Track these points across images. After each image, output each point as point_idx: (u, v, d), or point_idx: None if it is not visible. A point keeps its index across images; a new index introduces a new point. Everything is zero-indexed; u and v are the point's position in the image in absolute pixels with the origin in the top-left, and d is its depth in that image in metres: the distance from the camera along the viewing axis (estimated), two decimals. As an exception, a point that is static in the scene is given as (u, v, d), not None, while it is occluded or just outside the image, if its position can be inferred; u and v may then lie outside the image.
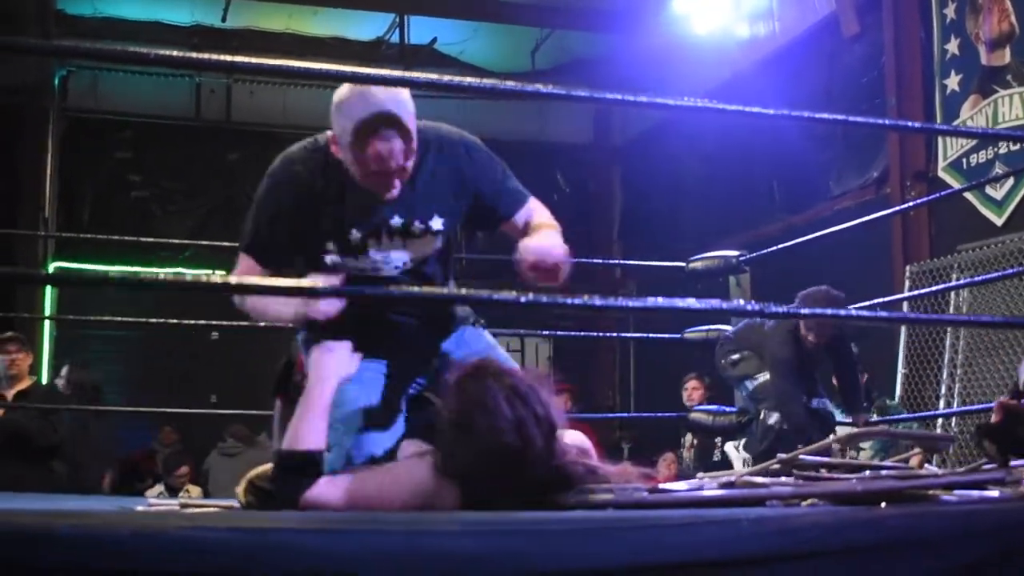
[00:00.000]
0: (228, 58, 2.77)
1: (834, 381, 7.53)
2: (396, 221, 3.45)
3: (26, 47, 3.53)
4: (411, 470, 2.96)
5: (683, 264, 6.99)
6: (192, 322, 7.71)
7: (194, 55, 2.79)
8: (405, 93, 3.27)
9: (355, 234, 3.43)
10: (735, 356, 7.33)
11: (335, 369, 3.25)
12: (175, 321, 8.13)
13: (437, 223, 3.51)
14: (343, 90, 3.28)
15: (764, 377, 7.15)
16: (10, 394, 7.76)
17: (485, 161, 3.66)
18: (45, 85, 13.15)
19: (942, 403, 8.25)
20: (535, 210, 3.80)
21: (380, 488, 2.95)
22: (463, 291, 3.16)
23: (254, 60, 2.86)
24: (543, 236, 3.50)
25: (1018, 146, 8.27)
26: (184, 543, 1.82)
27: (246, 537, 1.87)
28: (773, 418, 7.01)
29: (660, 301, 2.88)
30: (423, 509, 2.75)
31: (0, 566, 1.71)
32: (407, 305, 3.61)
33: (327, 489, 2.95)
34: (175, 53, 2.88)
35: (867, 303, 6.42)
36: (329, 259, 3.46)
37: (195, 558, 1.80)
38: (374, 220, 3.43)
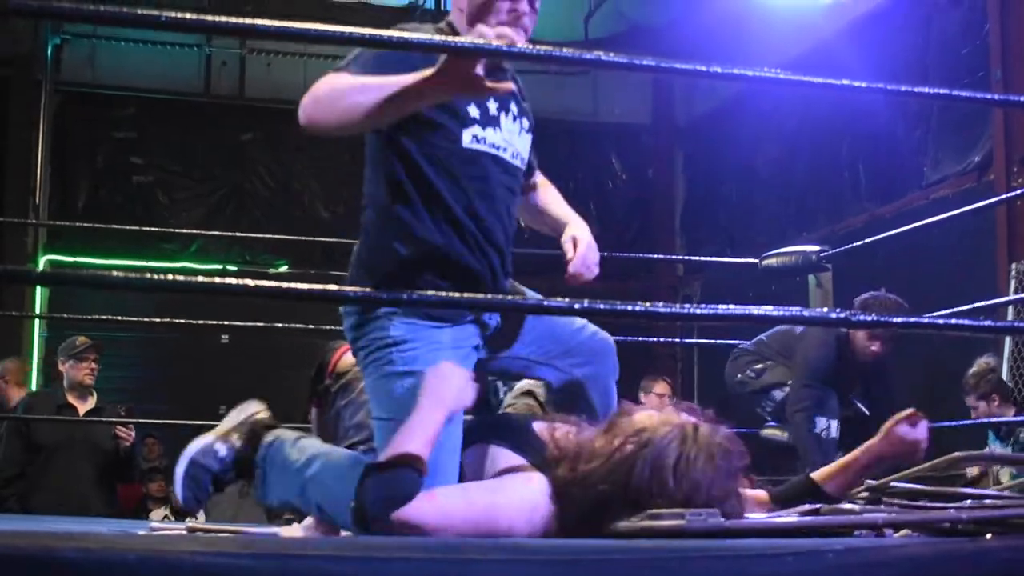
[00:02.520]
0: (244, 21, 2.76)
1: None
2: (518, 103, 3.75)
3: (12, 7, 3.52)
4: (523, 494, 2.87)
5: (755, 261, 6.96)
6: (200, 322, 7.72)
7: (207, 17, 2.77)
8: None
9: (492, 103, 3.63)
10: (759, 366, 7.19)
11: (452, 397, 3.12)
12: (182, 321, 8.15)
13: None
14: None
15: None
16: (83, 409, 8.02)
17: None
18: (36, 55, 13.25)
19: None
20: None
21: (489, 511, 2.87)
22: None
23: (272, 23, 2.85)
24: (581, 230, 3.86)
25: None
26: (197, 570, 1.83)
27: (266, 564, 1.89)
28: (820, 424, 6.83)
29: (732, 309, 2.85)
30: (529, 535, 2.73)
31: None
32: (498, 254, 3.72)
33: (425, 506, 2.85)
34: (185, 16, 2.87)
35: (967, 307, 6.38)
36: (469, 132, 3.58)
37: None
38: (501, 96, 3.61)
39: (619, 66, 3.18)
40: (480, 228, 3.59)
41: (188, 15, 2.76)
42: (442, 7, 13.61)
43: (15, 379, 9.02)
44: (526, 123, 3.79)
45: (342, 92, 3.26)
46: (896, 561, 2.12)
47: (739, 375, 7.22)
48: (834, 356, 6.73)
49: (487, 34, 3.02)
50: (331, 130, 3.48)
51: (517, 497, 2.82)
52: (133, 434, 8.10)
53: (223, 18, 2.68)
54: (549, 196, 4.14)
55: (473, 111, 3.57)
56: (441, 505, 2.84)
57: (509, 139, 3.68)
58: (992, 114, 9.68)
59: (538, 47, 3.11)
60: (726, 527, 2.44)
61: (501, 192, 3.66)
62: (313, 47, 12.88)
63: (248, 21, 2.76)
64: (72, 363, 7.98)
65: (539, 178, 4.14)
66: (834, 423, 6.70)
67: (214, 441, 3.85)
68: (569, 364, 3.82)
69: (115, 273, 2.83)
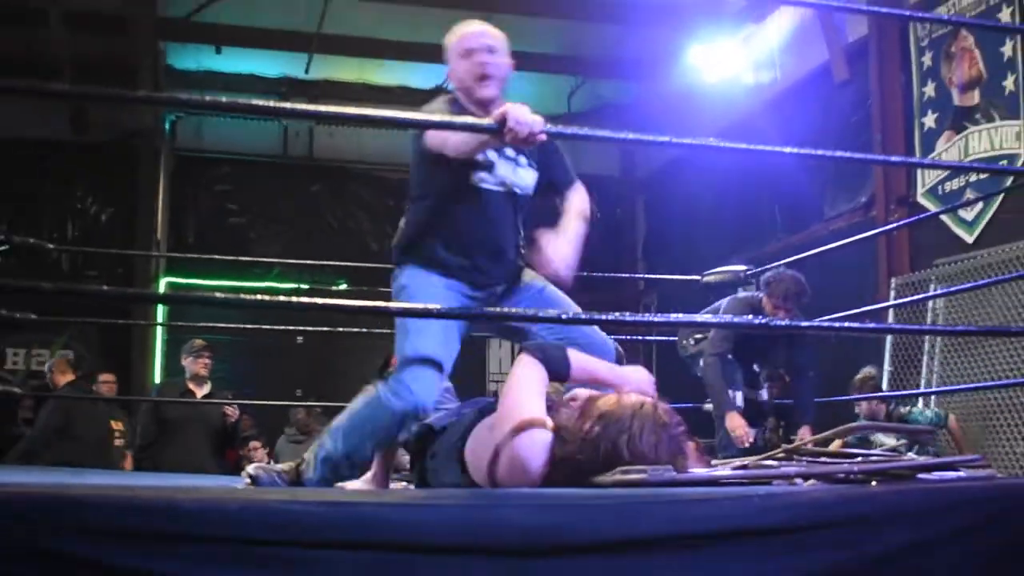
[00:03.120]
0: (311, 107, 2.80)
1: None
2: (508, 152, 3.76)
3: (142, 99, 3.56)
4: (543, 437, 2.73)
5: (698, 277, 6.96)
6: (281, 328, 7.76)
7: (282, 104, 2.81)
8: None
9: (492, 153, 3.71)
10: (699, 335, 7.12)
11: (540, 384, 2.95)
12: (267, 327, 8.17)
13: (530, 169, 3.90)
14: (453, 34, 3.82)
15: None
16: (200, 393, 8.16)
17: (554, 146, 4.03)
18: (157, 129, 13.32)
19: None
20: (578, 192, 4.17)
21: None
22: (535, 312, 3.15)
23: (334, 109, 2.89)
24: (566, 237, 3.86)
25: (986, 175, 8.24)
26: (283, 515, 1.82)
27: (333, 510, 1.87)
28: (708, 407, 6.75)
29: (680, 316, 2.86)
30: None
31: (130, 534, 1.72)
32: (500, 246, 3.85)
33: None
34: (267, 103, 2.91)
35: (857, 311, 6.41)
36: (476, 175, 3.71)
37: (294, 527, 1.80)
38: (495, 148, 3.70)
39: (599, 139, 3.22)
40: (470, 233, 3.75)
41: (271, 103, 2.80)
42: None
43: (60, 370, 9.04)
44: (523, 160, 3.84)
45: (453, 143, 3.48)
46: (805, 503, 2.13)
47: (683, 342, 7.19)
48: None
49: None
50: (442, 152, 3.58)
51: (540, 438, 2.76)
52: (237, 412, 8.23)
53: (297, 105, 2.73)
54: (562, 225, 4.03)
55: (480, 159, 3.68)
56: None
57: (506, 176, 3.77)
58: (874, 167, 9.69)
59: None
60: (676, 479, 2.45)
61: (498, 212, 3.78)
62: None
63: (314, 107, 2.79)
64: (192, 359, 8.14)
65: (569, 205, 4.08)
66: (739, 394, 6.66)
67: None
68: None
69: (217, 294, 2.87)
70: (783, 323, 6.36)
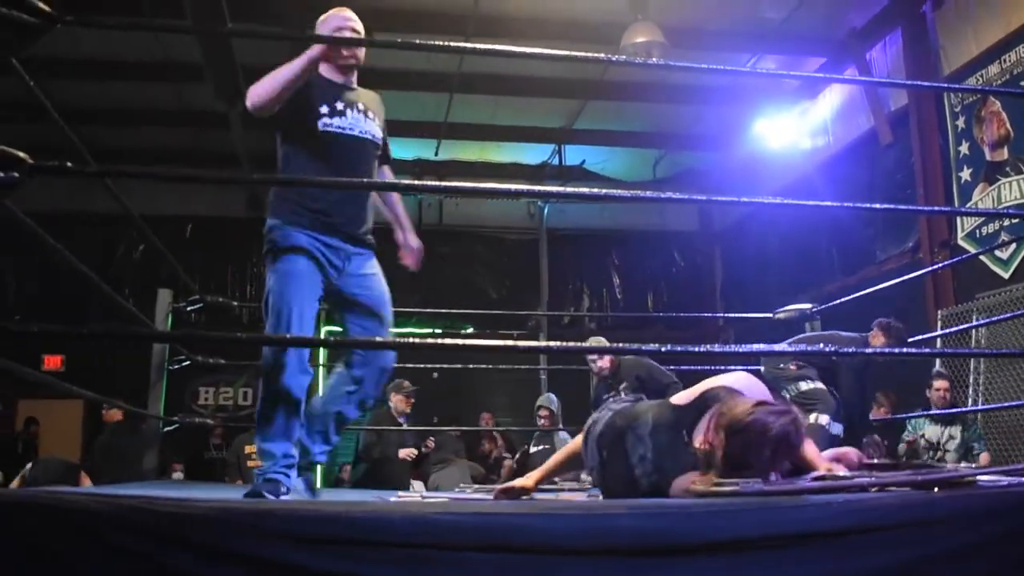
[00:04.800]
0: (442, 184, 2.87)
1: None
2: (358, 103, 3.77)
3: (313, 182, 3.66)
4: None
5: (771, 315, 6.87)
6: (422, 366, 7.84)
7: (417, 182, 2.89)
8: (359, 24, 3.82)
9: (339, 104, 3.69)
10: (801, 363, 6.78)
11: None
12: (410, 365, 8.26)
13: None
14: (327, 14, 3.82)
15: (816, 384, 6.35)
16: (403, 423, 8.14)
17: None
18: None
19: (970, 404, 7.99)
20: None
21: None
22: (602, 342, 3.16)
23: (459, 184, 2.95)
24: (415, 240, 4.25)
25: (1018, 219, 8.07)
26: (436, 524, 1.86)
27: (477, 519, 1.90)
28: (824, 419, 6.47)
29: (757, 347, 2.84)
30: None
31: (320, 540, 1.77)
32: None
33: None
34: (404, 181, 2.98)
35: (913, 339, 6.29)
36: (321, 121, 3.64)
37: (448, 533, 1.84)
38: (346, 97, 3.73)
39: (681, 200, 3.23)
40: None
41: (410, 180, 2.87)
42: (563, 162, 13.68)
43: (111, 414, 9.39)
44: (371, 115, 3.80)
45: (275, 81, 3.48)
46: (876, 507, 2.10)
47: (781, 365, 6.84)
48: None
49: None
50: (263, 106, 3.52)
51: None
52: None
53: (431, 182, 2.79)
54: (394, 196, 4.17)
55: (324, 109, 3.65)
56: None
57: (354, 121, 3.71)
58: (918, 216, 9.55)
59: (621, 191, 3.17)
60: (765, 489, 2.43)
61: (352, 161, 3.67)
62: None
63: (444, 184, 2.86)
64: (402, 397, 8.02)
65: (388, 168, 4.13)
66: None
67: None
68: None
69: (376, 339, 2.93)
70: (830, 350, 6.27)
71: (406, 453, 8.10)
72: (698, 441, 2.72)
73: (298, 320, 3.44)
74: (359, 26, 3.83)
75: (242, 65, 9.22)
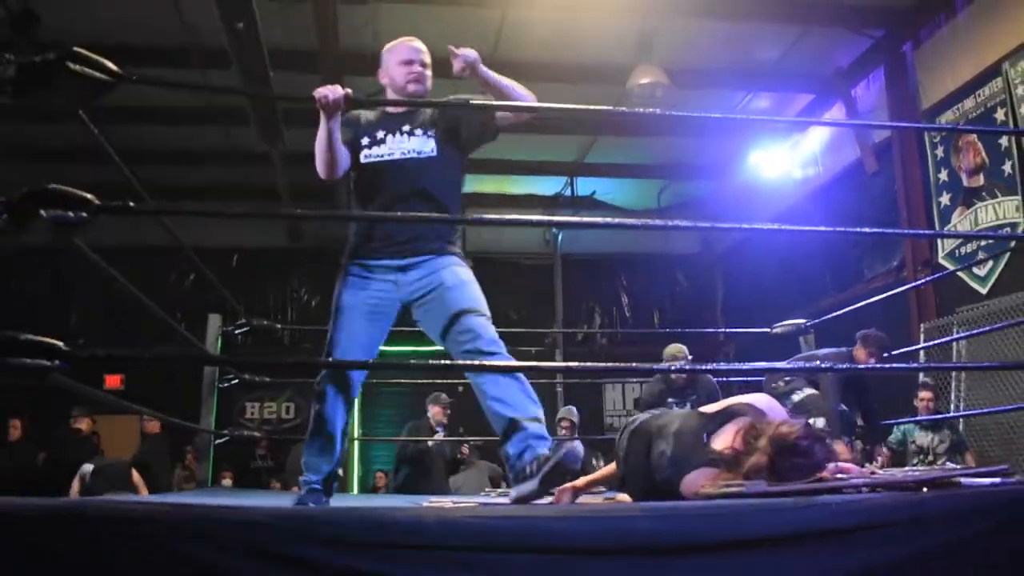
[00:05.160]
0: (470, 217, 2.87)
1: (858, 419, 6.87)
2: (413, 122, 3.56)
3: (343, 216, 3.69)
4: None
5: (768, 330, 6.85)
6: (449, 381, 7.82)
7: (445, 216, 2.88)
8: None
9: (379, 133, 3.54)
10: (788, 378, 6.78)
11: None
12: (439, 381, 8.24)
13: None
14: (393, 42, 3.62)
15: (806, 392, 6.28)
16: (440, 433, 7.97)
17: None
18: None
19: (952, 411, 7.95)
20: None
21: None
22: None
23: (487, 216, 2.94)
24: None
25: (993, 240, 8.06)
26: (467, 527, 1.86)
27: (505, 522, 1.90)
28: (820, 423, 6.41)
29: (756, 364, 2.83)
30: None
31: (366, 544, 1.79)
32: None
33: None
34: (434, 215, 2.99)
35: (897, 352, 6.26)
36: (363, 154, 3.52)
37: (479, 536, 1.84)
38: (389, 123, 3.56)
39: (685, 227, 3.24)
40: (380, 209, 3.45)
41: (433, 214, 2.86)
42: (575, 193, 13.71)
43: (150, 426, 9.37)
44: (419, 132, 3.53)
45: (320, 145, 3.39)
46: (869, 507, 2.09)
47: (773, 384, 6.85)
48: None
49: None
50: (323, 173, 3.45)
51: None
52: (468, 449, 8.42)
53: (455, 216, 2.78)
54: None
55: (365, 141, 3.53)
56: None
57: (394, 148, 3.51)
58: (902, 238, 9.54)
59: (627, 220, 3.18)
60: (769, 491, 2.43)
61: (395, 184, 3.46)
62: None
63: (472, 217, 2.88)
64: (439, 408, 7.83)
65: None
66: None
67: None
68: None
69: (411, 360, 2.95)
70: (827, 366, 6.23)
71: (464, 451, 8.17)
72: (720, 445, 2.74)
73: (339, 349, 3.40)
74: (427, 58, 3.58)
75: (283, 109, 9.32)
